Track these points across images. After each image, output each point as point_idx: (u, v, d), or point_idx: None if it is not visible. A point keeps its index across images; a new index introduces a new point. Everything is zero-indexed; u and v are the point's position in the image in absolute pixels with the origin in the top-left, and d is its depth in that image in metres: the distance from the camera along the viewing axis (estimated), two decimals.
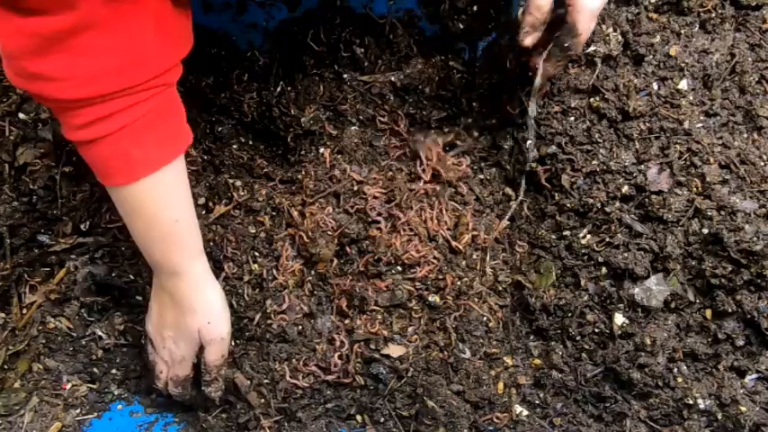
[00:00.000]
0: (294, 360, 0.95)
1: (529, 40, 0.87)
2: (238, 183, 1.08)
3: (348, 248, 0.97)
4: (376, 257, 0.96)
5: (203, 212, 1.05)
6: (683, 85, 0.96)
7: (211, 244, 0.99)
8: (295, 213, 1.00)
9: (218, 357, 0.91)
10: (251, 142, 1.13)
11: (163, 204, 0.80)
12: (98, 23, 0.66)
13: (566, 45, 0.87)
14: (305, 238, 0.97)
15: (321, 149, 1.06)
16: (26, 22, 0.64)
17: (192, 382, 0.93)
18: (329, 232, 0.97)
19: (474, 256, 1.01)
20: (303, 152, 1.07)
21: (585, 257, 0.97)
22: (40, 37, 0.65)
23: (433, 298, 0.96)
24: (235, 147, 1.12)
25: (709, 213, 0.90)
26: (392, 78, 1.09)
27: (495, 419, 0.94)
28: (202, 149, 1.12)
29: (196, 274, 0.87)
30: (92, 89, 0.70)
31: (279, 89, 1.10)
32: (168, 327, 0.90)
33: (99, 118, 0.72)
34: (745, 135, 0.94)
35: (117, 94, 0.71)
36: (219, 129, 1.12)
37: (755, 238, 0.87)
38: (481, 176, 1.07)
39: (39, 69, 0.67)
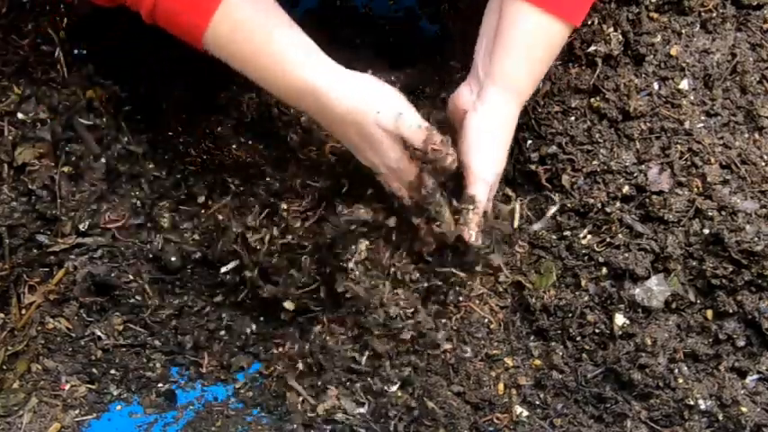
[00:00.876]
0: None
1: (477, 238, 0.90)
2: (237, 182, 1.08)
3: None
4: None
5: (202, 211, 1.05)
6: (684, 84, 0.96)
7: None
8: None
9: (421, 133, 0.83)
10: (250, 142, 1.13)
11: (250, 22, 0.79)
12: None
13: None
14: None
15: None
16: None
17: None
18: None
19: None
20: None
21: (586, 258, 0.96)
22: None
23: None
24: (234, 146, 1.11)
25: (709, 214, 0.90)
26: (392, 78, 1.09)
27: (496, 420, 0.94)
28: (202, 149, 1.12)
29: (327, 77, 0.81)
30: None
31: None
32: (361, 148, 0.84)
33: None
34: (746, 135, 0.94)
35: None
36: (219, 129, 1.12)
37: (756, 239, 0.86)
38: None
39: None
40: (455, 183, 0.90)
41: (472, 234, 0.88)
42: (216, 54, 0.82)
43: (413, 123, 0.83)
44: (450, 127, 0.93)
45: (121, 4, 0.81)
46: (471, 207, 0.87)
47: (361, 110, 0.81)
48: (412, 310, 0.92)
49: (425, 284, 0.94)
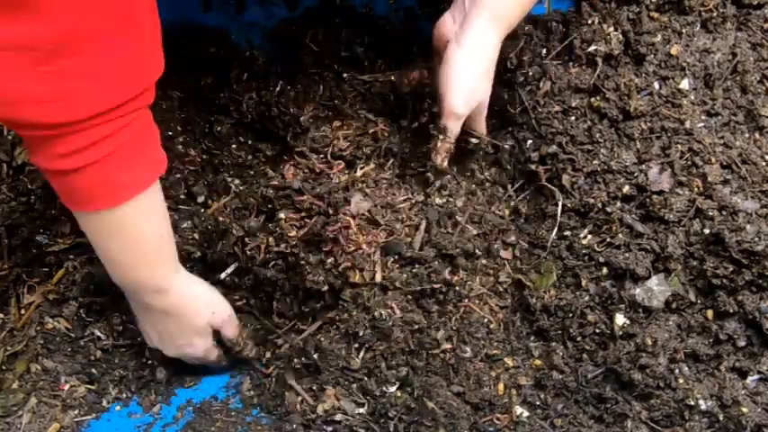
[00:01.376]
0: None
1: (443, 162, 0.97)
2: (237, 181, 1.07)
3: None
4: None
5: (202, 210, 1.05)
6: (685, 84, 0.96)
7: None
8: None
9: (235, 329, 0.97)
10: (250, 142, 1.13)
11: (148, 222, 0.81)
12: (82, 45, 0.63)
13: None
14: None
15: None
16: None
17: (225, 353, 0.99)
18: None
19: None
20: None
21: (586, 258, 0.96)
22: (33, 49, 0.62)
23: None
24: (234, 146, 1.11)
25: (710, 213, 0.90)
26: (392, 78, 1.08)
27: (496, 420, 0.94)
28: (201, 149, 1.12)
29: (181, 280, 0.89)
30: (80, 111, 0.66)
31: (278, 88, 1.09)
32: (176, 337, 0.92)
33: (87, 145, 0.69)
34: (747, 135, 0.94)
35: (103, 115, 0.68)
36: (218, 128, 1.12)
37: (757, 239, 0.86)
38: (481, 176, 1.06)
39: (22, 92, 0.63)
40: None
41: (438, 159, 0.97)
42: (92, 225, 0.80)
43: (234, 324, 0.97)
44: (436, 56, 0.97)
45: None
46: (441, 137, 0.95)
47: (199, 308, 0.92)
48: (400, 309, 0.92)
49: (418, 287, 0.94)
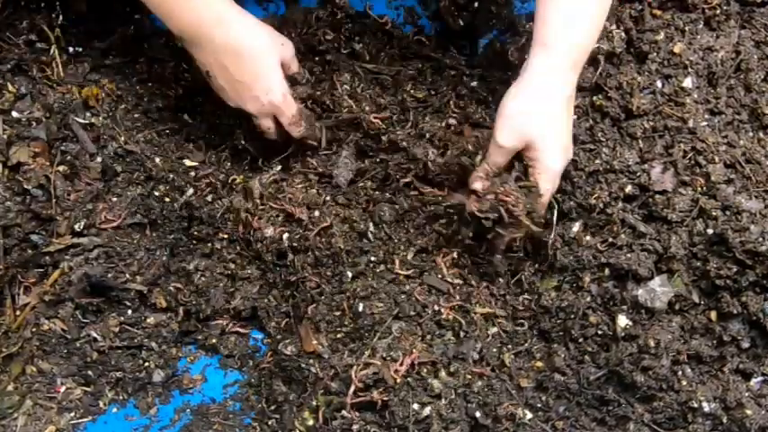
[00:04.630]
0: None
1: (479, 185, 0.88)
2: (237, 181, 1.07)
3: None
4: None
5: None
6: (688, 82, 0.95)
7: None
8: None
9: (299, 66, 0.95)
10: (250, 141, 1.12)
11: None
12: None
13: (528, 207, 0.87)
14: None
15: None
16: None
17: (306, 112, 0.95)
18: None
19: None
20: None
21: (588, 258, 0.95)
22: None
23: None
24: (234, 144, 1.10)
25: (713, 213, 0.89)
26: (392, 74, 1.08)
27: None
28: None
29: (241, 12, 0.87)
30: None
31: None
32: (251, 83, 0.89)
33: None
34: (751, 134, 0.93)
35: None
36: (217, 121, 1.11)
37: (761, 239, 0.86)
38: None
39: None
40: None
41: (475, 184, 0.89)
42: None
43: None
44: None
45: None
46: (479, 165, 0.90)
47: (266, 42, 0.88)
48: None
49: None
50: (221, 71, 0.89)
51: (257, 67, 0.88)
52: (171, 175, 1.07)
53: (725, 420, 0.87)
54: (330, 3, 1.09)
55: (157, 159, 1.06)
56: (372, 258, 0.97)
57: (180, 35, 0.88)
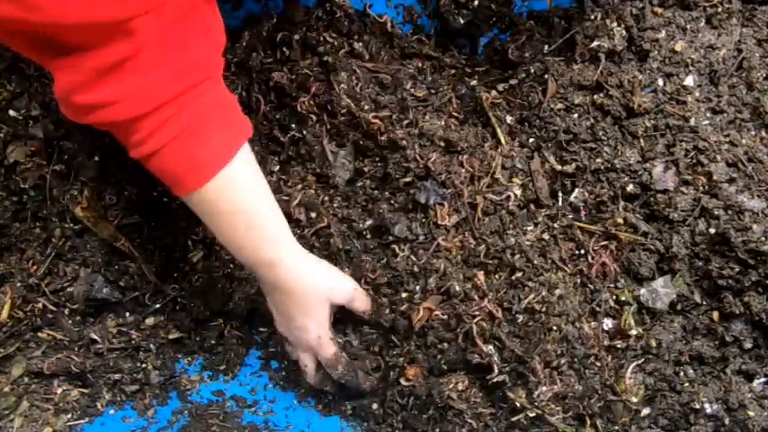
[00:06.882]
0: None
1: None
2: None
3: None
4: None
5: None
6: (689, 81, 0.94)
7: None
8: None
9: (367, 302, 0.92)
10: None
11: (239, 198, 0.79)
12: (150, 43, 0.66)
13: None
14: None
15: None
16: (81, 59, 0.65)
17: (346, 358, 0.92)
18: None
19: None
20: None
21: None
22: (95, 71, 0.66)
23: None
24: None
25: (715, 213, 0.88)
26: (391, 75, 1.07)
27: None
28: None
29: (294, 255, 0.86)
30: (145, 104, 0.70)
31: None
32: (292, 317, 0.89)
33: (155, 128, 0.72)
34: (753, 132, 0.93)
35: (169, 102, 0.71)
36: None
37: (763, 238, 0.85)
38: None
39: (90, 100, 0.68)
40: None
41: None
42: (194, 207, 0.81)
43: (364, 297, 0.92)
44: None
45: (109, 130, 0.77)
46: None
47: (316, 284, 0.87)
48: None
49: None
50: (272, 301, 0.91)
51: (302, 306, 0.88)
52: None
53: (727, 422, 0.86)
54: (329, 1, 1.08)
55: None
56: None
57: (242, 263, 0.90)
